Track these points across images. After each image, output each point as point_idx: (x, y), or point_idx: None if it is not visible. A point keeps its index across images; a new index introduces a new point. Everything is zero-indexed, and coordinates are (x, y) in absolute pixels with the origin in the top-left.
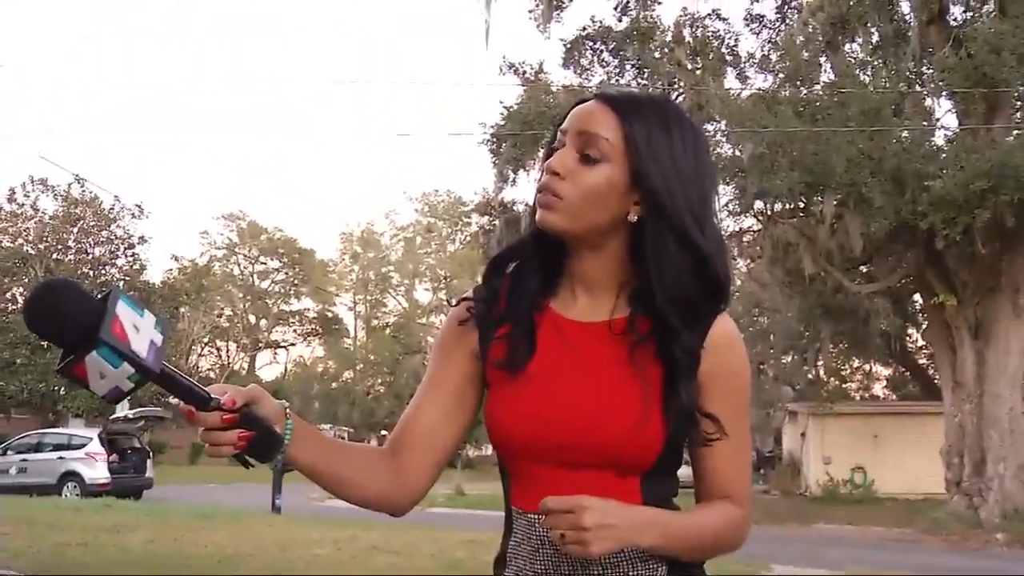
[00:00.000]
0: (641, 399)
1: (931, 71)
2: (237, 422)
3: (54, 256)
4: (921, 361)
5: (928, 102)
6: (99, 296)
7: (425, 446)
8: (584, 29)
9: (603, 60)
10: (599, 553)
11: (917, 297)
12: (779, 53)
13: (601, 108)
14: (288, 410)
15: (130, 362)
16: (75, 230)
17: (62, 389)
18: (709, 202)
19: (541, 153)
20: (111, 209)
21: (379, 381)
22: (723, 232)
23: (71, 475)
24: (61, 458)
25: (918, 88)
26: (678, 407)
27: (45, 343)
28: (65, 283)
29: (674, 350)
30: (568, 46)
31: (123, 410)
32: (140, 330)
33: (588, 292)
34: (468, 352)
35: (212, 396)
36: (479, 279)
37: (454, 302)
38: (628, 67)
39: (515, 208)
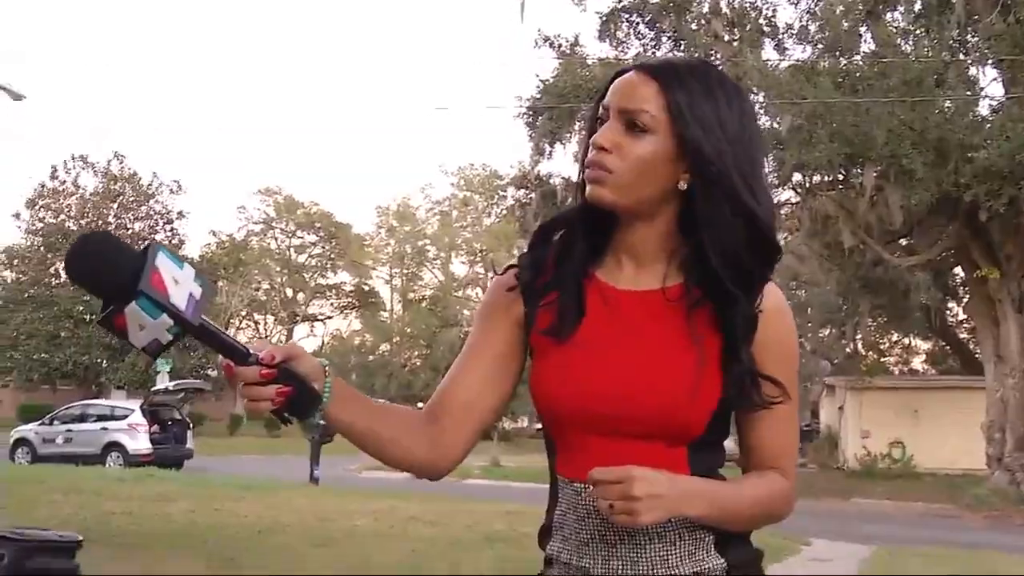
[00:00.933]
0: (694, 366)
1: (976, 39)
2: (275, 378)
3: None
4: (962, 335)
5: (973, 71)
6: (141, 250)
7: (464, 412)
8: (620, 1)
9: (639, 32)
10: (648, 523)
11: (958, 270)
12: (818, 23)
13: (642, 78)
14: (327, 368)
15: (169, 314)
16: (115, 206)
17: (104, 361)
18: (758, 164)
19: (578, 127)
20: (150, 185)
21: (416, 354)
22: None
23: (114, 445)
24: (104, 429)
25: (962, 57)
26: (739, 372)
27: (88, 316)
28: (105, 235)
29: (732, 315)
30: (604, 18)
31: (163, 382)
32: (179, 282)
33: (636, 262)
34: (513, 319)
35: (251, 351)
36: (515, 252)
37: (499, 270)
38: (664, 39)
39: (551, 181)
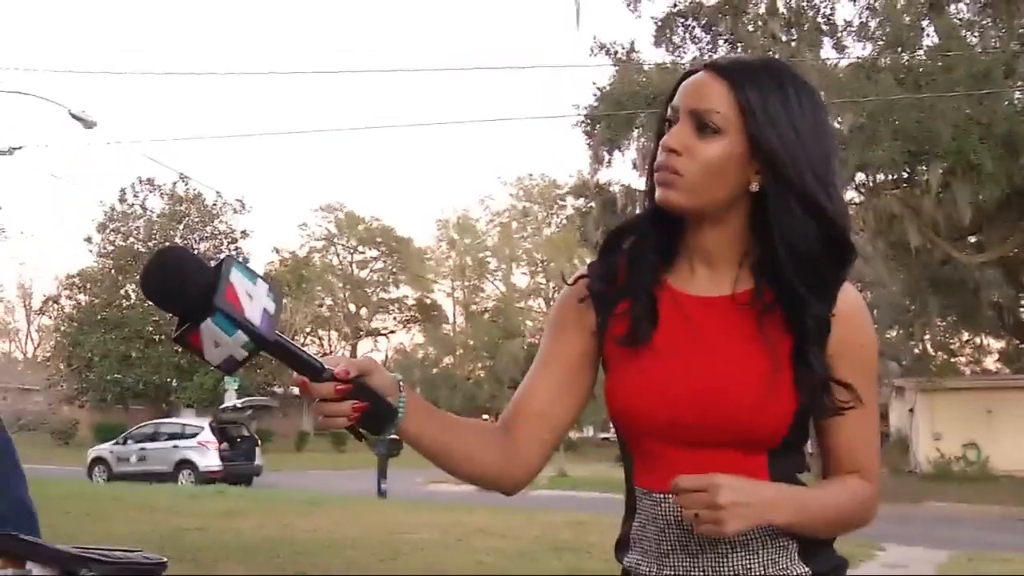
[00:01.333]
0: (769, 372)
1: None
2: (350, 393)
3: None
4: None
5: None
6: (214, 264)
7: (538, 423)
8: (675, 5)
9: (695, 36)
10: (734, 532)
11: None
12: (878, 19)
13: (712, 78)
14: (401, 383)
15: (244, 330)
16: (181, 227)
17: (174, 380)
18: (831, 164)
19: (636, 134)
20: (214, 205)
21: (479, 366)
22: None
23: (186, 463)
24: (176, 447)
25: None
26: (810, 376)
27: (158, 336)
28: (180, 251)
29: (803, 319)
30: (659, 24)
31: (231, 400)
32: (253, 298)
33: (708, 266)
34: (585, 328)
35: (325, 367)
36: (576, 262)
37: (569, 280)
38: (721, 42)
39: (611, 189)
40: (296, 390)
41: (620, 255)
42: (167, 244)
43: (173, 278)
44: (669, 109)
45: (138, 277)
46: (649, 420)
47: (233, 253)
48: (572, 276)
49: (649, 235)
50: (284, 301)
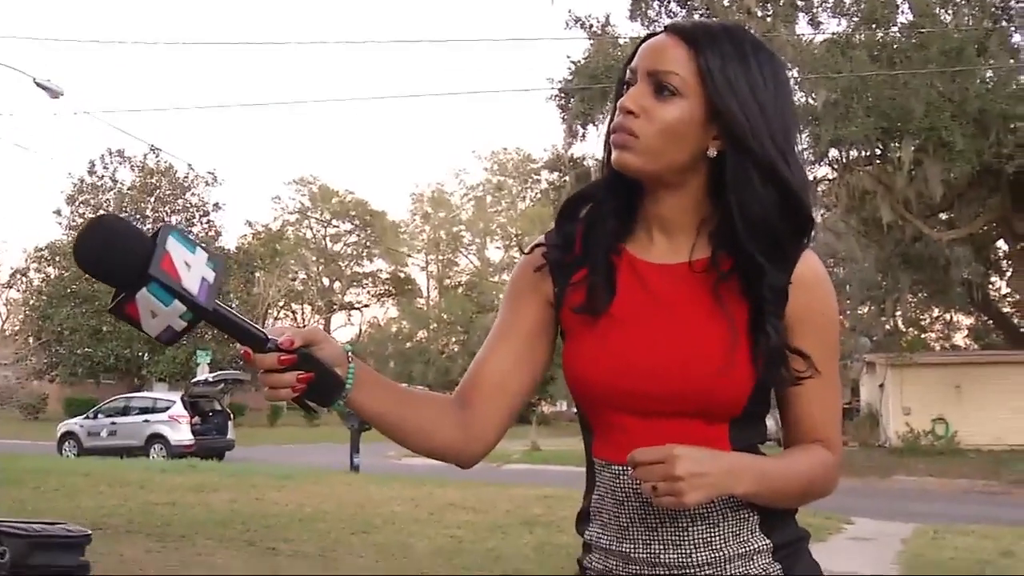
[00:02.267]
0: (728, 341)
1: (1020, 5)
2: (296, 364)
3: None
4: (1005, 309)
5: (1016, 38)
6: (151, 234)
7: (495, 394)
8: None
9: (670, 11)
10: (694, 503)
11: (1000, 243)
12: None
13: (672, 41)
14: (351, 353)
15: (181, 299)
16: (152, 199)
17: (145, 354)
18: (791, 132)
19: (611, 107)
20: (186, 177)
21: (453, 340)
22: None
23: (157, 437)
24: (147, 421)
25: (1004, 24)
26: (766, 346)
27: None
28: (114, 219)
29: (760, 287)
30: None
31: (203, 373)
32: (191, 266)
33: (665, 233)
34: (542, 298)
35: (269, 337)
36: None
37: (526, 249)
38: (696, 17)
39: (585, 163)
40: None
41: (577, 223)
42: (101, 213)
43: (108, 247)
44: (628, 72)
45: (72, 243)
46: (607, 390)
47: (198, 231)
48: (529, 248)
49: (606, 201)
50: (257, 275)
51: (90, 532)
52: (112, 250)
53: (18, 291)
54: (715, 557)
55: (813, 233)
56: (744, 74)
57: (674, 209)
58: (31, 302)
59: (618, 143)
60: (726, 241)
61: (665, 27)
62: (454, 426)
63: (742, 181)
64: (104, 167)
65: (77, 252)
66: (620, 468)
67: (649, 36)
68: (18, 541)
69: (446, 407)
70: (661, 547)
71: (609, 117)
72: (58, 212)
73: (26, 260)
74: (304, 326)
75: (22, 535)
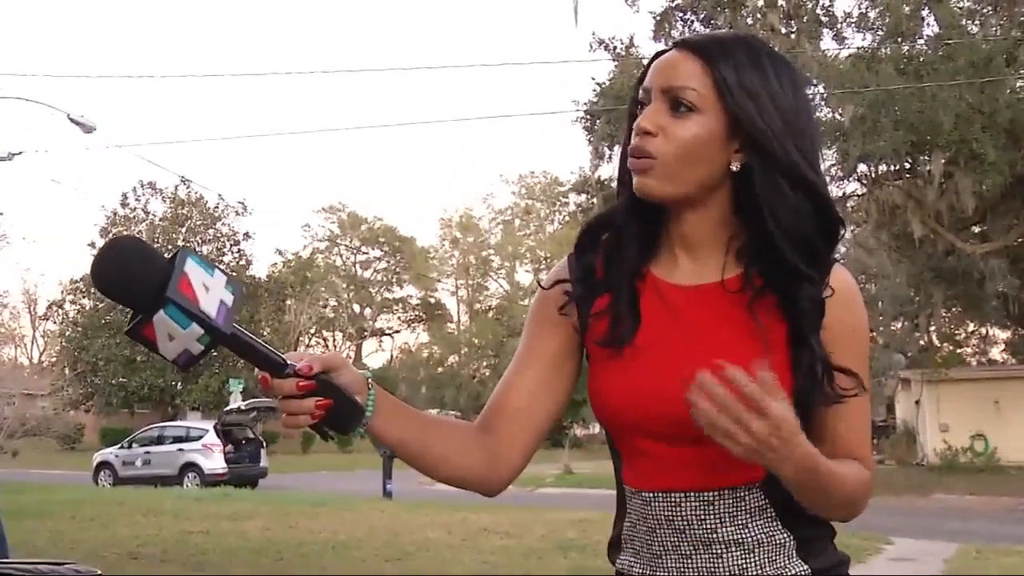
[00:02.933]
0: (760, 360)
1: None
2: (314, 390)
3: (165, 256)
4: None
5: None
6: (169, 256)
7: (520, 419)
8: (673, 0)
9: (694, 30)
10: (740, 456)
11: None
12: (878, 9)
13: (684, 55)
14: (371, 380)
15: (199, 322)
16: (183, 230)
17: (179, 383)
18: (813, 137)
19: (627, 117)
20: (216, 207)
21: (484, 364)
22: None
23: (191, 466)
24: (181, 450)
25: None
26: (810, 361)
27: None
28: (132, 241)
29: (799, 300)
30: (658, 18)
31: (236, 402)
32: (210, 289)
33: (691, 254)
34: (567, 324)
35: (288, 362)
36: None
37: (544, 283)
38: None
39: (612, 185)
40: None
41: (597, 252)
42: (118, 234)
43: (125, 269)
44: (641, 91)
45: (90, 266)
46: (635, 419)
47: (229, 260)
48: (548, 279)
49: (627, 226)
50: (288, 303)
51: (100, 572)
52: (129, 271)
53: (55, 323)
54: None
55: (843, 248)
56: (762, 82)
57: (699, 228)
58: (67, 333)
59: (638, 168)
60: (756, 257)
61: (675, 42)
62: (478, 453)
63: (771, 191)
64: (136, 199)
65: (94, 273)
66: (651, 495)
67: (660, 53)
68: None
69: (470, 434)
70: (695, 575)
71: (624, 138)
72: (92, 245)
73: (62, 292)
74: (334, 352)
75: None
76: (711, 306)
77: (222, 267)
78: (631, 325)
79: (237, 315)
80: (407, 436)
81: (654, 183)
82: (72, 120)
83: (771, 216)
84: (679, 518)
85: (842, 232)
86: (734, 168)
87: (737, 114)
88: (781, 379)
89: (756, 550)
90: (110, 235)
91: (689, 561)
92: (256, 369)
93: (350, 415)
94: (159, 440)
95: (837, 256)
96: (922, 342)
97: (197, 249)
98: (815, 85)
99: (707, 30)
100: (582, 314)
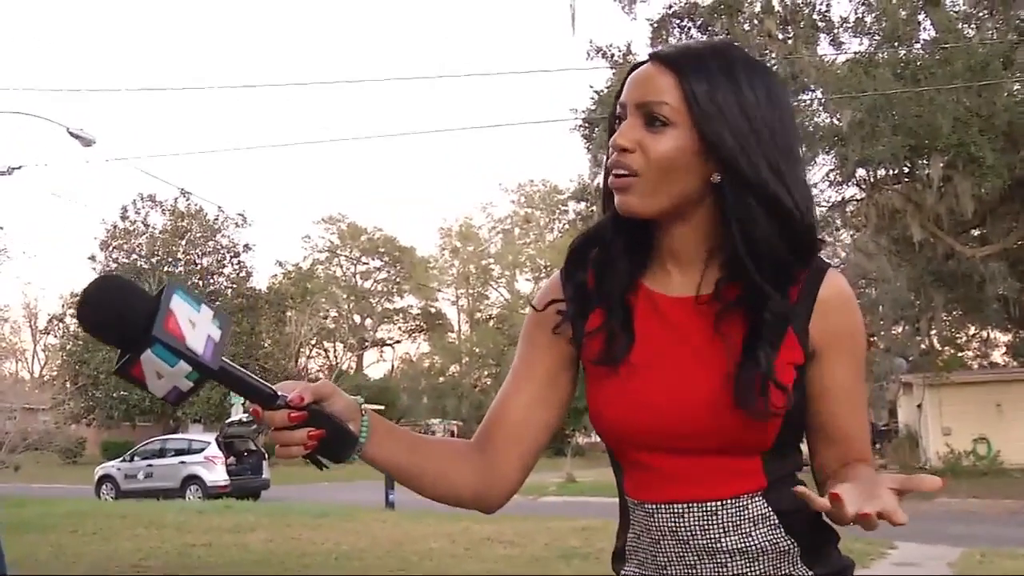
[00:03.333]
0: (727, 374)
1: None
2: (306, 420)
3: (165, 269)
4: None
5: None
6: (156, 292)
7: (516, 436)
8: (670, 7)
9: (691, 37)
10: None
11: None
12: (874, 14)
13: (657, 69)
14: (363, 406)
15: (186, 359)
16: (183, 242)
17: None
18: (792, 151)
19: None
20: (216, 220)
21: (486, 373)
22: (814, 192)
23: (193, 479)
24: (183, 462)
25: None
26: (748, 374)
27: None
28: (116, 280)
29: (763, 313)
30: (655, 25)
31: (238, 414)
32: (196, 325)
33: (679, 265)
34: (561, 337)
35: (278, 393)
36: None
37: (536, 302)
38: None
39: None
40: None
41: (587, 269)
42: (105, 273)
43: (110, 308)
44: (618, 106)
45: (75, 304)
46: (636, 433)
47: (229, 272)
48: (539, 298)
49: (615, 241)
50: (288, 314)
51: None
52: (114, 312)
53: (55, 336)
54: None
55: (844, 253)
56: (735, 97)
57: (684, 240)
58: (68, 347)
59: (618, 186)
60: (736, 270)
61: (649, 55)
62: (475, 471)
63: (741, 212)
64: (136, 212)
65: (80, 315)
66: (654, 507)
67: (636, 66)
68: None
69: (465, 453)
70: None
71: (605, 155)
72: (92, 258)
73: (62, 306)
74: (336, 365)
75: None
76: (695, 319)
77: (207, 301)
78: (625, 342)
79: (225, 348)
80: (402, 460)
81: (635, 200)
82: (71, 134)
83: (740, 232)
84: (683, 529)
85: (818, 248)
86: (715, 180)
87: (706, 131)
88: (775, 392)
89: (761, 558)
90: (111, 248)
91: (694, 571)
92: (245, 401)
93: (343, 443)
94: (161, 453)
95: (835, 262)
96: (923, 346)
97: (197, 262)
98: (812, 90)
99: (704, 37)
100: (576, 332)
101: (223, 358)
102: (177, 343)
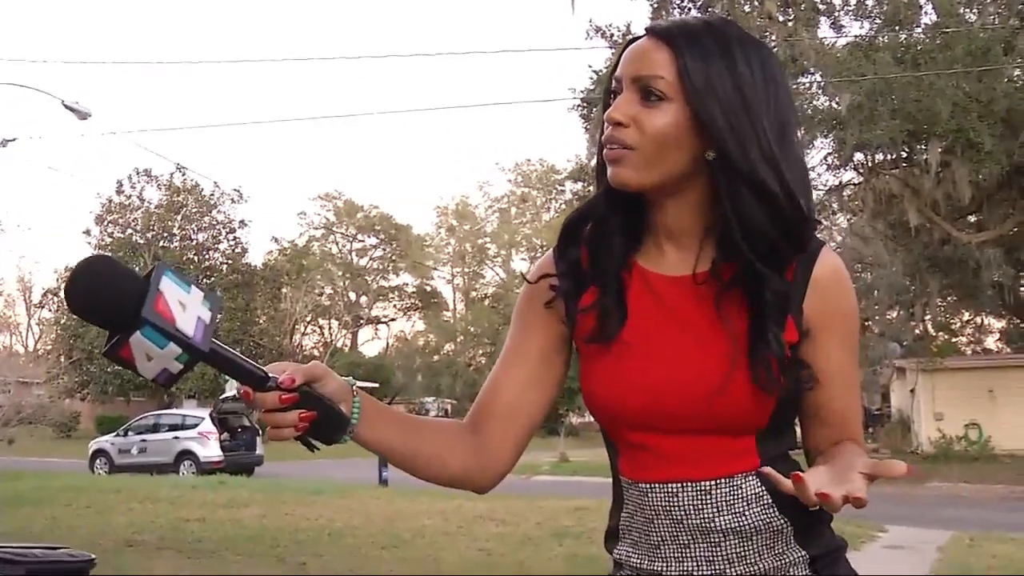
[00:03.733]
0: (728, 356)
1: None
2: (298, 402)
3: (160, 244)
4: None
5: None
6: (145, 273)
7: (509, 416)
8: None
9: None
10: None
11: None
12: None
13: (653, 44)
14: (355, 387)
15: (176, 341)
16: (179, 217)
17: None
18: (784, 129)
19: (600, 108)
20: (212, 195)
21: (480, 352)
22: (812, 176)
23: (187, 454)
24: (176, 438)
25: None
26: (764, 355)
27: None
28: (106, 260)
29: (763, 293)
30: (655, 5)
31: (232, 390)
32: (186, 307)
33: (674, 243)
34: (554, 318)
35: (269, 375)
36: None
37: (530, 275)
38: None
39: None
40: None
41: (580, 245)
42: (93, 254)
43: (99, 290)
44: (614, 81)
45: (64, 286)
46: (629, 412)
47: (224, 248)
48: (533, 273)
49: (609, 218)
50: (284, 291)
51: (94, 557)
52: (103, 293)
53: (50, 311)
54: (750, 571)
55: (840, 238)
56: (729, 73)
57: (679, 217)
58: (62, 321)
59: (612, 158)
60: (731, 248)
61: (646, 29)
62: (468, 452)
63: (733, 193)
64: (132, 187)
65: (68, 295)
66: (648, 486)
67: (631, 41)
68: (16, 568)
69: (458, 433)
70: (694, 564)
71: (599, 130)
72: (87, 232)
73: (57, 280)
74: (332, 342)
75: (20, 561)
76: (690, 298)
77: (198, 281)
78: (618, 320)
79: (216, 329)
80: (394, 441)
81: (628, 172)
82: (67, 106)
83: (733, 212)
84: (676, 508)
85: (811, 229)
86: (709, 156)
87: (698, 109)
88: (742, 374)
89: (754, 537)
90: (106, 223)
91: (687, 550)
92: (235, 383)
93: (335, 425)
94: (155, 428)
95: (832, 244)
96: (917, 331)
97: (193, 237)
98: (812, 73)
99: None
100: (569, 309)
101: (213, 340)
102: (167, 325)
